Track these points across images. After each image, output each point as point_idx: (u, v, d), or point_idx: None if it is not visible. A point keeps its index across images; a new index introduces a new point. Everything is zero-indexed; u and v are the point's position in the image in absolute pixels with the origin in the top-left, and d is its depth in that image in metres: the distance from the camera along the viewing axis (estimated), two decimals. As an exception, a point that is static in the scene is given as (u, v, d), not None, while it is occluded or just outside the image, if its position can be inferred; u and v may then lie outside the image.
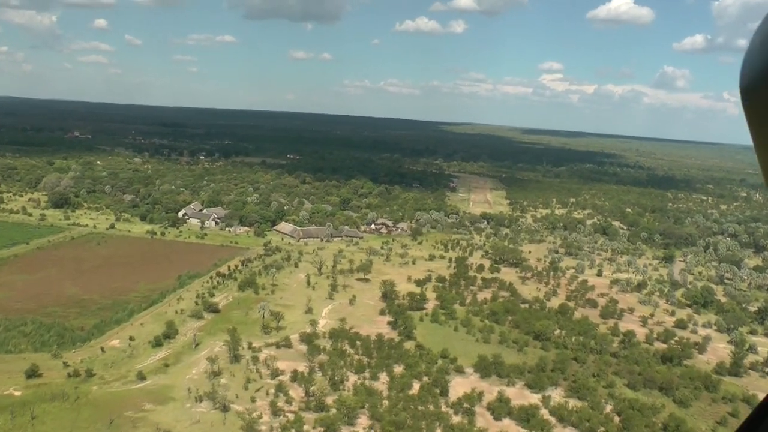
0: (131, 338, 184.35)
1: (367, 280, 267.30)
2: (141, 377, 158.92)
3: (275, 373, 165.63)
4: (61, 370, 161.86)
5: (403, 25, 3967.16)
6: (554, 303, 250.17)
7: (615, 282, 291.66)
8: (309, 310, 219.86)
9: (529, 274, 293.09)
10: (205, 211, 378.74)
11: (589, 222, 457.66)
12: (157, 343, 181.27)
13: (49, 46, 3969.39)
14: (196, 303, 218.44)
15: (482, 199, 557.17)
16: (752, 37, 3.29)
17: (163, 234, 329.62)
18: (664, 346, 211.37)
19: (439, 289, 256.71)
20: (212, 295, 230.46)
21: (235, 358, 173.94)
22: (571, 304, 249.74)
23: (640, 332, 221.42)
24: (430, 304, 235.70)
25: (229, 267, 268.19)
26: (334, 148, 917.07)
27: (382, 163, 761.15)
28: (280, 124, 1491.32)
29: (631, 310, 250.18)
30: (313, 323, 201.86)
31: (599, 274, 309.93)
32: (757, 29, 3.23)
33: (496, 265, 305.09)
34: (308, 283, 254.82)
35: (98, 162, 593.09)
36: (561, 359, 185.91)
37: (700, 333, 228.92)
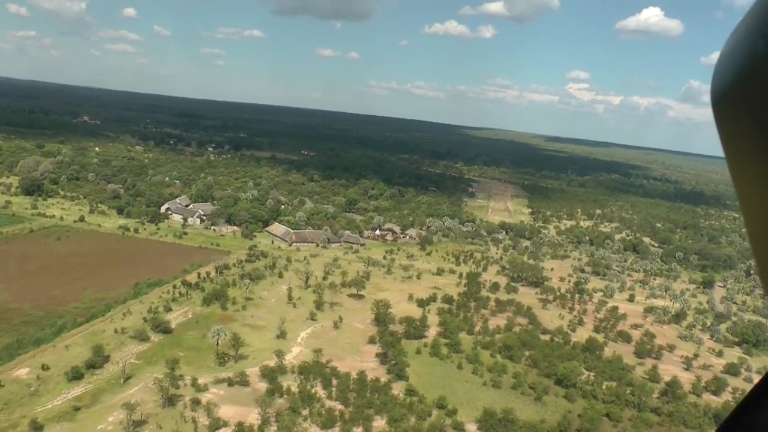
0: (44, 367, 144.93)
1: (360, 297, 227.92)
2: (35, 427, 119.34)
3: (215, 425, 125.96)
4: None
5: (432, 28, 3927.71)
6: (580, 334, 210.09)
7: (650, 310, 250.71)
8: (282, 335, 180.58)
9: (551, 297, 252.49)
10: (191, 206, 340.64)
11: (617, 237, 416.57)
12: (76, 375, 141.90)
13: (77, 32, 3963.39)
14: (144, 320, 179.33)
15: (502, 207, 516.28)
16: (722, 49, 3.29)
17: (136, 230, 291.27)
18: (716, 399, 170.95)
19: (445, 312, 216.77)
20: (168, 310, 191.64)
21: (170, 401, 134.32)
22: (601, 337, 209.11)
23: (685, 378, 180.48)
24: (432, 331, 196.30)
25: (199, 274, 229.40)
26: (352, 146, 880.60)
27: (399, 163, 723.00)
28: (301, 121, 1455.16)
29: (671, 348, 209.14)
30: (280, 354, 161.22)
31: (631, 299, 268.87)
32: (727, 41, 3.24)
33: (514, 284, 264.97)
34: (289, 298, 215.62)
35: (96, 148, 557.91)
36: (590, 416, 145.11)
37: (755, 381, 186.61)
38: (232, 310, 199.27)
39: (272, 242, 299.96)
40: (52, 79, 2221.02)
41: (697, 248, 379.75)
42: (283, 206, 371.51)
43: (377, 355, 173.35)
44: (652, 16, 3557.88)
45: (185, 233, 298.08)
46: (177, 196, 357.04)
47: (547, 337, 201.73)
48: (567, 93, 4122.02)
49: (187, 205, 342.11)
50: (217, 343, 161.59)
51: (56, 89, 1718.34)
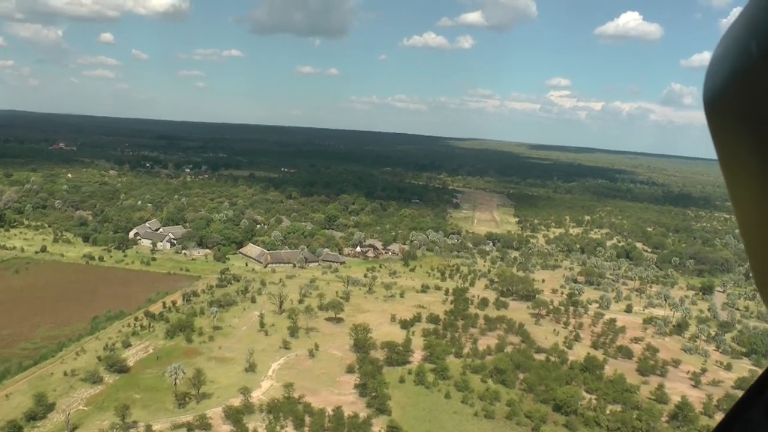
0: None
1: (339, 320, 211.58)
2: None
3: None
4: None
5: (410, 41, 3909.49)
6: (577, 352, 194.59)
7: (649, 321, 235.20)
8: (251, 367, 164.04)
9: (543, 311, 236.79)
10: (161, 230, 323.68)
11: (609, 243, 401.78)
12: (13, 430, 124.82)
13: (55, 60, 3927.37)
14: (99, 359, 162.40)
15: (488, 217, 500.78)
16: (714, 51, 3.28)
17: (101, 259, 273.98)
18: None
19: (430, 333, 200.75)
20: (127, 346, 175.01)
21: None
22: (600, 354, 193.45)
23: (694, 397, 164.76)
24: (417, 356, 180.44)
25: (164, 303, 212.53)
26: (334, 162, 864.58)
27: (381, 177, 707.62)
28: (283, 139, 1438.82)
29: (675, 363, 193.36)
30: (246, 392, 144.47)
31: (628, 309, 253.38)
32: (719, 43, 3.23)
33: (503, 299, 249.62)
34: (261, 325, 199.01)
35: (69, 174, 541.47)
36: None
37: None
38: (198, 342, 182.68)
39: (246, 264, 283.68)
40: (32, 108, 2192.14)
41: (692, 252, 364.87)
42: (258, 225, 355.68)
43: (356, 386, 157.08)
44: (630, 20, 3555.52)
45: (154, 259, 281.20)
46: (147, 220, 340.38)
47: (542, 357, 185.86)
48: (548, 100, 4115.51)
49: (157, 229, 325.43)
50: (176, 383, 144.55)
51: (35, 118, 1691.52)
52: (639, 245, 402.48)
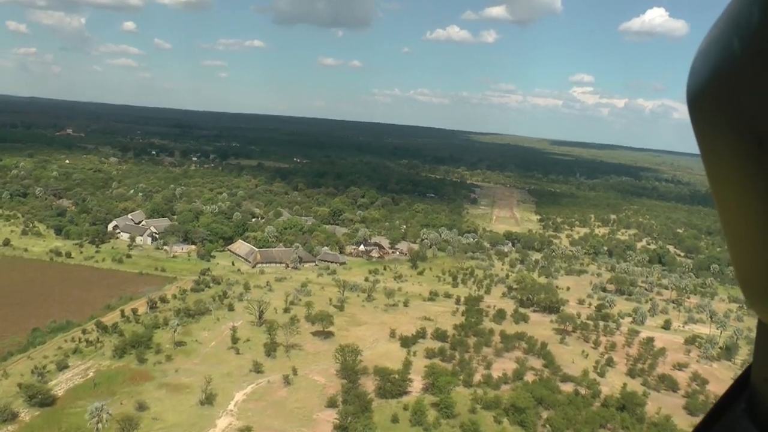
0: None
1: (328, 335, 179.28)
2: None
3: None
4: None
5: (434, 34, 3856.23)
6: (611, 380, 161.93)
7: (692, 341, 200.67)
8: (209, 399, 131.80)
9: (569, 327, 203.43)
10: (143, 222, 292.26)
11: (638, 245, 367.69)
12: None
13: (78, 48, 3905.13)
14: (20, 387, 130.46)
15: (507, 215, 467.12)
16: (698, 48, 3.27)
17: (69, 255, 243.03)
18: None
19: (435, 354, 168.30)
20: (62, 368, 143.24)
21: None
22: (638, 384, 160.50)
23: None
24: (417, 384, 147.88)
25: (123, 312, 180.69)
26: (350, 153, 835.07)
27: (397, 169, 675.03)
28: (301, 129, 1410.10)
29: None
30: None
31: (667, 326, 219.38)
32: (703, 39, 3.22)
33: (523, 310, 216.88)
34: (234, 340, 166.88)
35: (67, 160, 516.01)
36: None
37: None
38: (153, 363, 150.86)
39: (233, 264, 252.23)
40: (54, 96, 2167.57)
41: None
42: (255, 219, 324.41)
43: (337, 427, 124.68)
44: (656, 16, 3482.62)
45: (129, 256, 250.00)
46: (131, 211, 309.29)
47: (569, 387, 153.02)
48: (571, 96, 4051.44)
49: (139, 222, 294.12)
50: (98, 428, 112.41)
51: (55, 105, 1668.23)
52: (671, 248, 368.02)
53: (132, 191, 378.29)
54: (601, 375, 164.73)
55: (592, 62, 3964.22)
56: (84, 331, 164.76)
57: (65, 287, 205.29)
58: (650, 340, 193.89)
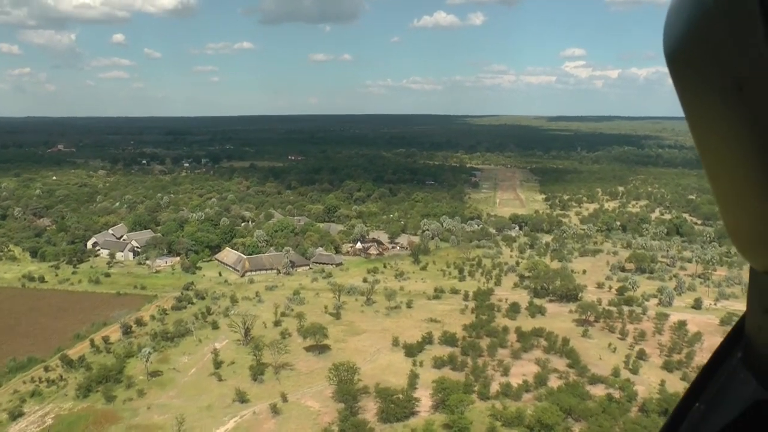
0: None
1: (323, 349, 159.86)
2: None
3: None
4: None
5: (421, 21, 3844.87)
6: (647, 378, 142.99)
7: (728, 320, 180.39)
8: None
9: (591, 316, 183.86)
10: (125, 237, 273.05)
11: (652, 217, 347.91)
12: None
13: (70, 64, 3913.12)
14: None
15: (512, 196, 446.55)
16: (671, 3, 3.27)
17: (42, 279, 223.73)
18: None
19: (445, 362, 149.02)
20: (16, 417, 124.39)
21: None
22: (678, 379, 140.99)
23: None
24: (426, 402, 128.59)
25: (92, 342, 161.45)
26: (346, 146, 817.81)
27: (393, 159, 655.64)
28: (297, 127, 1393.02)
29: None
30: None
31: (697, 305, 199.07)
32: None
33: (538, 301, 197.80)
34: (215, 365, 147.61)
35: (54, 177, 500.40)
36: None
37: None
38: (123, 399, 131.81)
39: (220, 274, 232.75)
40: (50, 114, 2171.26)
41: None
42: (245, 223, 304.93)
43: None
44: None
45: (107, 275, 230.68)
46: (113, 225, 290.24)
47: (600, 390, 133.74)
48: (564, 72, 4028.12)
49: (121, 237, 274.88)
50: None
51: (50, 123, 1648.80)
52: (686, 217, 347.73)
53: (117, 204, 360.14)
54: (634, 372, 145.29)
55: (582, 36, 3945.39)
56: (47, 369, 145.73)
57: (34, 316, 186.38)
58: (682, 324, 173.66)
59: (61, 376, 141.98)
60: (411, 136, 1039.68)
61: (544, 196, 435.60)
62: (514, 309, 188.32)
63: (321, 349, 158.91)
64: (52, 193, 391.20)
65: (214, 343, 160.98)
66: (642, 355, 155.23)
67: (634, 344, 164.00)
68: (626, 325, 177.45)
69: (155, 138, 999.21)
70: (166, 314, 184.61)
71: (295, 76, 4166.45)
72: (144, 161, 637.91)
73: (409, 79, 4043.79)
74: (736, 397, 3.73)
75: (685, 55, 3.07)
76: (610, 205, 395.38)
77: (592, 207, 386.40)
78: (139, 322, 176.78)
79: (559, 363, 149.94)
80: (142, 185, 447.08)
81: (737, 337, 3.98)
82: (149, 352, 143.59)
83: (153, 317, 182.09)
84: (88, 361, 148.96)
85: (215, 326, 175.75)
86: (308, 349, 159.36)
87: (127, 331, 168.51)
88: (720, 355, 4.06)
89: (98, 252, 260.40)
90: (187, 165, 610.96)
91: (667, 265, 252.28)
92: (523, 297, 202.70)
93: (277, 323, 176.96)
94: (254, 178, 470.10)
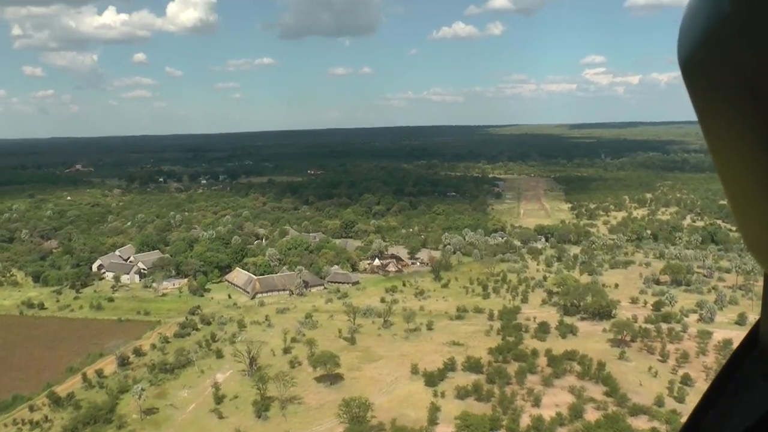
0: None
1: (335, 379, 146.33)
2: None
3: None
4: None
5: (440, 33, 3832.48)
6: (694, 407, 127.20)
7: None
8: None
9: (627, 335, 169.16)
10: (132, 258, 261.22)
11: (683, 224, 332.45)
12: None
13: (93, 85, 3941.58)
14: None
15: (536, 206, 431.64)
16: (686, 8, 3.26)
17: (42, 306, 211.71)
18: None
19: (469, 392, 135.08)
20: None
21: None
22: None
23: None
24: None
25: (84, 376, 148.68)
26: (366, 159, 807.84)
27: (414, 171, 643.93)
28: (317, 141, 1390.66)
29: None
30: None
31: (741, 321, 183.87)
32: (689, 1, 3.22)
33: (569, 318, 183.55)
34: (217, 400, 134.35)
35: (68, 197, 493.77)
36: None
37: None
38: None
39: (229, 296, 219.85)
40: (74, 134, 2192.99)
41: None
42: (258, 240, 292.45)
43: None
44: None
45: (111, 300, 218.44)
46: (120, 246, 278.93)
47: (643, 423, 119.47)
48: (584, 79, 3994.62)
49: (128, 258, 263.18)
50: None
51: (73, 143, 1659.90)
52: (720, 224, 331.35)
53: (129, 223, 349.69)
54: (680, 400, 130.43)
55: (602, 42, 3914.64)
56: (32, 408, 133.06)
57: (29, 347, 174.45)
58: (728, 342, 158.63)
59: (47, 417, 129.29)
60: (432, 147, 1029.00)
61: (569, 205, 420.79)
62: (543, 329, 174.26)
63: (333, 378, 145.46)
64: (63, 214, 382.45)
65: (216, 375, 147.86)
66: (687, 380, 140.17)
67: (677, 367, 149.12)
68: (666, 346, 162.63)
69: (176, 156, 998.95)
70: (168, 342, 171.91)
71: (315, 90, 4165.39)
72: (161, 179, 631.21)
73: (430, 91, 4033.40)
74: (751, 405, 3.68)
75: (700, 63, 3.05)
76: (638, 213, 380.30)
77: (620, 215, 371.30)
78: (138, 352, 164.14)
79: (596, 391, 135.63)
80: (157, 203, 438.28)
81: (752, 343, 3.97)
82: (142, 389, 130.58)
83: (153, 346, 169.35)
84: (78, 398, 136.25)
85: (219, 355, 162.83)
86: (319, 379, 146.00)
87: (123, 362, 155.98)
88: (734, 362, 4.03)
89: (103, 275, 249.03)
90: (205, 182, 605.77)
91: (704, 276, 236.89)
92: (552, 315, 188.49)
93: (286, 350, 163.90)
94: (271, 194, 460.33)
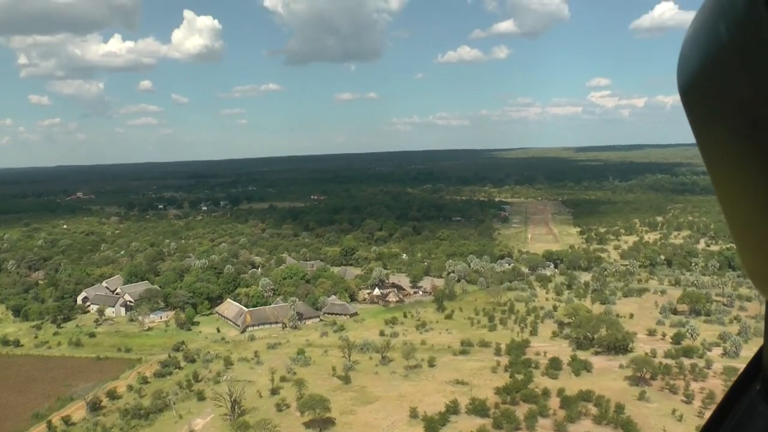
0: None
1: (326, 424, 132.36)
2: None
3: None
4: None
5: (445, 57, 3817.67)
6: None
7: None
8: None
9: (646, 373, 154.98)
10: (119, 290, 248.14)
11: (698, 249, 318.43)
12: None
13: (99, 113, 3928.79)
14: None
15: (544, 231, 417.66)
16: (686, 34, 3.26)
17: (17, 343, 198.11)
18: None
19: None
20: None
21: None
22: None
23: None
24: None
25: (49, 424, 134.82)
26: (371, 184, 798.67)
27: (419, 195, 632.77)
28: (323, 166, 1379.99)
29: None
30: None
31: None
32: (690, 26, 3.21)
33: (582, 354, 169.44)
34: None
35: (65, 225, 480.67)
36: None
37: None
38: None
39: (218, 330, 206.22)
40: (81, 162, 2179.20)
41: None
42: (253, 269, 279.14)
43: None
44: (666, 11, 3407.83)
45: (92, 335, 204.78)
46: (109, 277, 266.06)
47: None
48: (590, 102, 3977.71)
49: (115, 290, 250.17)
50: None
51: (78, 171, 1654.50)
52: (733, 247, 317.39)
53: (122, 252, 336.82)
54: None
55: (607, 65, 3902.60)
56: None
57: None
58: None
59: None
60: (438, 171, 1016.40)
61: (578, 230, 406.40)
62: (554, 365, 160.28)
63: (323, 424, 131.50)
64: (55, 243, 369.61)
65: (195, 421, 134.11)
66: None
67: (704, 409, 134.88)
68: (690, 384, 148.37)
69: (178, 182, 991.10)
70: (147, 383, 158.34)
71: (321, 115, 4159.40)
72: (161, 206, 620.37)
73: (435, 115, 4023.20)
74: (755, 431, 3.66)
75: (699, 89, 3.05)
76: (650, 237, 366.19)
77: (630, 240, 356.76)
78: (112, 395, 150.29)
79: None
80: (153, 231, 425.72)
81: (755, 370, 3.90)
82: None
83: (130, 387, 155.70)
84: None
85: (201, 397, 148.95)
86: (308, 424, 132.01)
87: (95, 407, 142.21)
88: (737, 388, 3.98)
89: (88, 308, 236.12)
90: (205, 208, 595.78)
91: (725, 305, 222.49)
92: (563, 349, 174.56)
93: (274, 391, 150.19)
94: (271, 220, 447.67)
